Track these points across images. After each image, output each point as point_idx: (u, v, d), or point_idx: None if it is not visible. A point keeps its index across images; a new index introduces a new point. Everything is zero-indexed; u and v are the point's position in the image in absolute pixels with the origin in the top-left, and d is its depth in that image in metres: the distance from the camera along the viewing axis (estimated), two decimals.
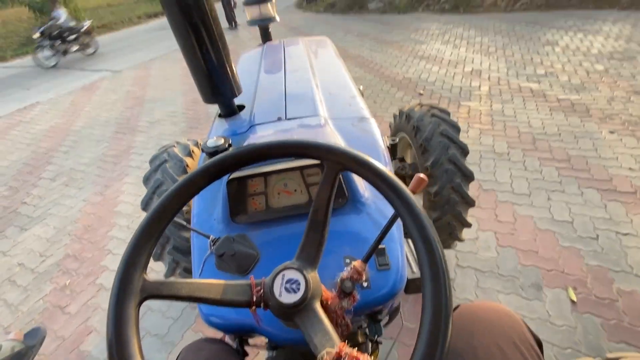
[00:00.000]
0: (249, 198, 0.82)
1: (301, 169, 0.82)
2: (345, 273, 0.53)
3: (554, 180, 2.46)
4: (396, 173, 1.54)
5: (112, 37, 11.67)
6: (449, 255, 1.98)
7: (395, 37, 6.65)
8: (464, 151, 1.40)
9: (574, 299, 1.67)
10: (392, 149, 1.30)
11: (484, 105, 3.63)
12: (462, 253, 1.99)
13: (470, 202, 1.43)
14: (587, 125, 3.04)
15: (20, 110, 5.69)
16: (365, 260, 0.54)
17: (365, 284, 0.64)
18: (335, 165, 0.51)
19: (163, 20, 13.48)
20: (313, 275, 0.48)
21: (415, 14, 8.56)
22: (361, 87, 1.72)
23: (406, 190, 0.46)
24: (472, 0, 8.05)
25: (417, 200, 0.45)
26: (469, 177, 1.38)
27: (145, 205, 1.30)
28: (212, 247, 0.69)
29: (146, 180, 1.36)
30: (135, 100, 5.35)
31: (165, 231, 1.20)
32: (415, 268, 0.99)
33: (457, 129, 1.44)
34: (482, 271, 1.88)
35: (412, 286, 0.99)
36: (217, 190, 0.79)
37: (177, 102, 4.98)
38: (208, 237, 0.71)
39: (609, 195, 2.26)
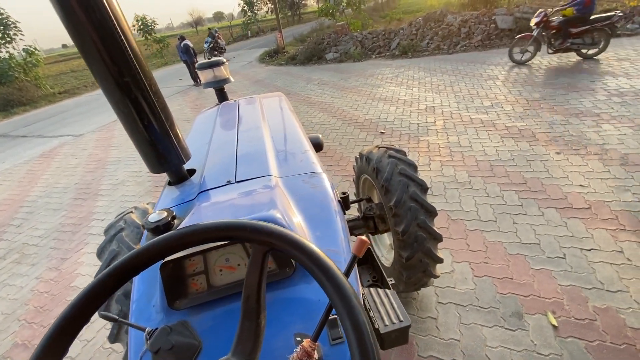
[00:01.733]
0: (188, 279, 0.73)
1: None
2: (294, 355, 0.48)
3: (515, 203, 2.57)
4: (365, 215, 1.56)
5: (75, 101, 11.58)
6: (428, 292, 1.94)
7: (353, 83, 7.10)
8: (423, 187, 1.44)
9: (555, 323, 1.66)
10: (344, 200, 1.26)
11: (441, 139, 3.85)
12: (441, 289, 1.96)
13: (437, 238, 1.45)
14: (536, 149, 3.28)
15: None
16: (315, 338, 0.48)
17: None
18: (262, 246, 0.47)
19: None
20: None
21: (369, 61, 9.28)
22: (320, 136, 1.78)
23: (337, 272, 0.42)
24: (418, 45, 8.90)
25: (351, 283, 0.42)
26: (432, 212, 1.42)
27: None
28: (147, 342, 0.60)
29: (100, 252, 1.27)
30: (97, 162, 5.18)
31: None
32: (387, 320, 0.93)
33: (414, 167, 1.50)
34: (463, 305, 1.84)
35: (388, 340, 0.90)
36: (155, 273, 0.71)
37: (142, 162, 4.87)
38: (143, 329, 0.62)
39: (567, 212, 2.37)
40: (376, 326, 0.91)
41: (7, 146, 7.23)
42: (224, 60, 2.07)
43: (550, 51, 5.97)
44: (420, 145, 3.79)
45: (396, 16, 25.66)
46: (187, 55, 9.89)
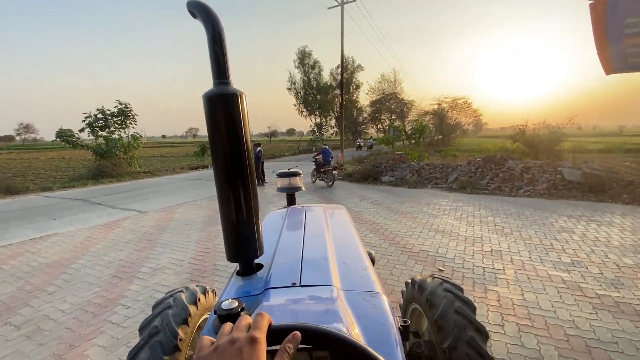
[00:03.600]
0: None
1: (309, 350, 0.76)
2: None
3: None
4: (411, 352, 1.39)
5: (153, 181, 13.11)
6: None
7: (408, 208, 7.01)
8: (483, 334, 1.27)
9: None
10: (404, 331, 1.13)
11: (515, 293, 3.27)
12: None
13: None
14: None
15: (34, 240, 5.72)
16: None
17: None
18: None
19: (200, 172, 15.45)
20: None
21: (425, 189, 9.38)
22: (373, 252, 1.76)
23: None
24: (477, 183, 8.89)
25: None
26: None
27: (131, 357, 1.15)
28: None
29: (142, 327, 1.25)
30: (147, 242, 5.33)
31: None
32: None
33: (473, 308, 1.36)
34: None
35: None
36: None
37: (188, 249, 4.90)
38: None
39: None
40: None
41: (82, 209, 8.02)
42: (300, 172, 2.40)
43: None
44: (488, 296, 3.24)
45: (451, 152, 27.13)
46: (256, 160, 11.14)
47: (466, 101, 38.09)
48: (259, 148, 11.28)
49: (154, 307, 1.35)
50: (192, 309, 1.31)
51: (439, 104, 38.43)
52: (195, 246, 5.03)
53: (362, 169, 11.73)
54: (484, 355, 1.22)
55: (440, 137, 40.07)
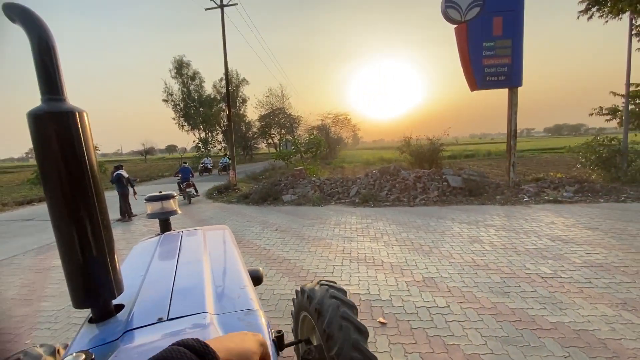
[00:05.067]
0: None
1: None
2: None
3: None
4: (304, 358, 1.45)
5: None
6: None
7: (319, 233, 6.12)
8: (365, 334, 1.39)
9: None
10: (279, 341, 1.10)
11: (478, 344, 2.62)
12: None
13: None
14: None
15: None
16: None
17: None
18: None
19: (34, 209, 11.20)
20: None
21: (329, 206, 8.79)
22: (260, 269, 1.73)
23: None
24: (378, 195, 8.81)
25: None
26: None
27: None
28: None
29: None
30: None
31: None
32: None
33: (355, 309, 1.48)
34: None
35: None
36: None
37: None
38: None
39: None
40: None
41: None
42: (175, 194, 2.10)
43: None
44: (454, 355, 2.49)
45: (338, 164, 28.46)
46: (118, 186, 8.52)
47: (346, 117, 41.38)
48: (120, 171, 8.67)
49: None
50: None
51: (323, 120, 40.58)
52: None
53: (260, 187, 10.43)
54: (366, 354, 1.32)
55: (327, 150, 42.36)
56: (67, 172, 0.75)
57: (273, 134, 51.59)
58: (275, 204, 9.45)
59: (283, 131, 50.05)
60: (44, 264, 5.26)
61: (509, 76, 8.96)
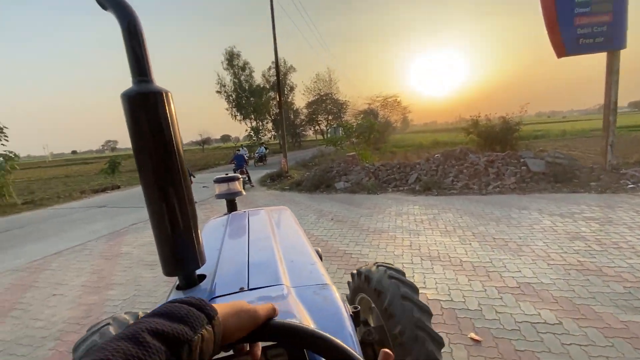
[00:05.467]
0: None
1: (264, 349, 0.71)
2: None
3: None
4: (363, 340, 1.38)
5: (31, 216, 9.70)
6: None
7: (380, 224, 5.60)
8: (429, 314, 1.40)
9: None
10: (355, 317, 1.12)
11: None
12: None
13: None
14: None
15: None
16: None
17: None
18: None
19: (108, 196, 12.25)
20: None
21: (387, 194, 8.16)
22: (319, 249, 1.67)
23: None
24: (442, 182, 7.95)
25: None
26: (439, 343, 1.35)
27: None
28: None
29: (77, 346, 1.21)
30: None
31: None
32: None
33: (416, 290, 1.48)
34: None
35: None
36: None
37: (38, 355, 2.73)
38: None
39: None
40: None
41: None
42: (239, 176, 2.22)
43: None
44: None
45: (389, 149, 27.22)
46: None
47: (396, 99, 39.31)
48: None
49: (75, 349, 1.23)
50: None
51: (371, 103, 39.07)
52: (54, 344, 2.86)
53: (312, 175, 10.13)
54: (430, 334, 1.33)
55: (378, 134, 40.92)
56: (156, 148, 0.78)
57: (320, 120, 51.33)
58: (328, 192, 9.08)
59: (330, 117, 49.52)
60: (112, 251, 5.51)
61: (608, 37, 7.35)
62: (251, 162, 20.23)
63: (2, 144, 11.29)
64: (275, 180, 12.20)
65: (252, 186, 11.83)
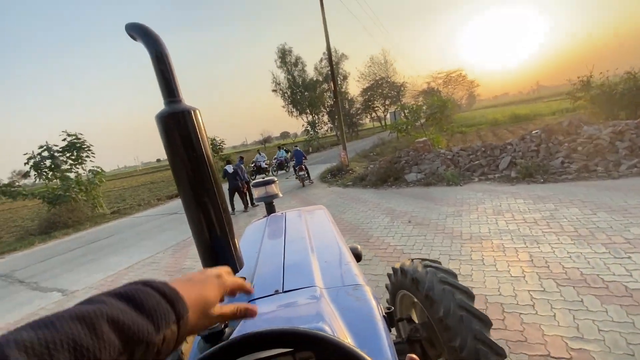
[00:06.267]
0: None
1: (294, 352, 0.72)
2: None
3: None
4: (410, 338, 1.39)
5: (117, 225, 10.47)
6: None
7: (474, 227, 4.38)
8: (470, 295, 1.36)
9: None
10: (389, 317, 1.09)
11: None
12: None
13: (500, 353, 1.24)
14: None
15: None
16: None
17: None
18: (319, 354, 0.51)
19: (178, 202, 12.83)
20: None
21: (472, 184, 6.75)
22: (359, 247, 1.74)
23: None
24: (547, 165, 6.25)
25: None
26: (486, 322, 1.29)
27: None
28: None
29: None
30: None
31: None
32: None
33: (454, 275, 1.45)
34: None
35: None
36: None
37: None
38: None
39: None
40: None
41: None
42: (275, 179, 2.26)
43: None
44: None
45: (457, 129, 24.35)
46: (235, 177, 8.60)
47: (460, 74, 35.25)
48: (236, 164, 8.70)
49: None
50: None
51: (430, 82, 35.72)
52: None
53: (377, 167, 9.06)
54: (474, 313, 1.28)
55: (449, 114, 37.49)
56: (189, 163, 0.83)
57: (377, 106, 49.07)
58: (398, 185, 7.95)
59: (387, 102, 46.99)
60: (178, 264, 5.29)
61: None
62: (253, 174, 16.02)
63: (90, 161, 12.52)
64: (335, 175, 11.42)
65: (312, 182, 11.27)
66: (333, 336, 0.50)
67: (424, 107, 13.16)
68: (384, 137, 26.54)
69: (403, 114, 17.80)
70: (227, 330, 0.78)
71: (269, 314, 0.91)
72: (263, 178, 2.28)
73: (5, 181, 11.15)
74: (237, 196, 8.70)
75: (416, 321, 1.56)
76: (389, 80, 43.00)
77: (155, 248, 6.53)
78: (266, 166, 16.58)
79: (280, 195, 2.25)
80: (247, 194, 8.77)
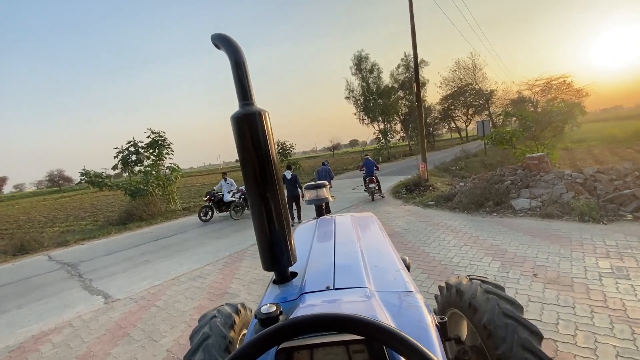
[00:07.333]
0: None
1: (347, 343, 0.78)
2: None
3: None
4: (457, 358, 1.33)
5: (184, 222, 10.53)
6: None
7: None
8: (538, 336, 1.21)
9: None
10: (442, 328, 1.05)
11: None
12: None
13: None
14: None
15: None
16: None
17: None
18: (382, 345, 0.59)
19: None
20: None
21: (621, 223, 4.67)
22: (407, 258, 1.66)
23: None
24: None
25: None
26: None
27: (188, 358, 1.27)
28: None
29: (193, 335, 1.37)
30: None
31: None
32: None
33: (520, 308, 1.30)
34: None
35: None
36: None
37: None
38: None
39: None
40: None
41: (44, 293, 5.38)
42: (326, 183, 2.35)
43: None
44: None
45: (562, 145, 20.41)
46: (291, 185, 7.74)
47: (564, 80, 29.47)
48: (287, 171, 7.80)
49: (200, 319, 1.48)
50: (235, 317, 1.46)
51: (526, 90, 30.80)
52: None
53: (472, 188, 7.27)
54: (542, 357, 1.15)
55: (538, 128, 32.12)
56: (257, 160, 0.91)
57: (458, 116, 44.78)
58: (501, 213, 6.12)
59: (470, 111, 42.50)
60: (223, 285, 4.49)
61: None
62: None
63: (170, 158, 13.12)
64: (412, 191, 9.80)
65: (383, 197, 9.88)
66: (408, 336, 0.51)
67: (541, 115, 10.65)
68: (468, 149, 23.56)
69: (492, 124, 15.20)
70: (281, 317, 0.78)
71: (321, 307, 0.93)
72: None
73: (99, 171, 12.21)
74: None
75: (464, 341, 1.48)
76: (476, 87, 38.80)
77: (207, 258, 5.94)
78: (232, 199, 9.91)
79: (330, 199, 2.35)
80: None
